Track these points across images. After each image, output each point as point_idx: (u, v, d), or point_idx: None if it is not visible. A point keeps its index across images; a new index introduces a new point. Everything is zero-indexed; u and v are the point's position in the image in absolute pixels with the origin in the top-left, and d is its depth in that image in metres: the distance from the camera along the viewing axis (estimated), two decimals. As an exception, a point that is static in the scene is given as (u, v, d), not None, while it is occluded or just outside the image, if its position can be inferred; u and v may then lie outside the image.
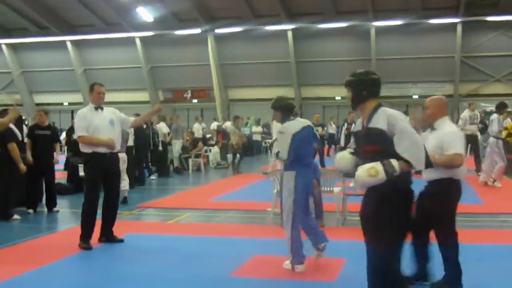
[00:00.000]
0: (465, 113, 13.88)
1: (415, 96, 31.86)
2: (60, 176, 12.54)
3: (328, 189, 8.68)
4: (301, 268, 5.84)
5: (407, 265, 5.00)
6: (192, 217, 9.58)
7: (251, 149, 24.20)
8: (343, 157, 4.24)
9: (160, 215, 10.02)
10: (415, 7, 29.67)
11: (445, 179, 4.95)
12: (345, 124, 14.92)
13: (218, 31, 33.18)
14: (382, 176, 3.65)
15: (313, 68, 33.18)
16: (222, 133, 22.80)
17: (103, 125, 7.12)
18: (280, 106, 6.16)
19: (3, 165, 9.02)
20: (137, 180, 13.56)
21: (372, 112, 3.92)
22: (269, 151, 17.75)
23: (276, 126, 12.35)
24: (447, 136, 4.98)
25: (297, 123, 6.05)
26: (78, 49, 36.76)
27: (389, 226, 3.76)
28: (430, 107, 5.23)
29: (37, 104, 37.31)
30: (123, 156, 10.33)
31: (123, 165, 10.29)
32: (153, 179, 15.37)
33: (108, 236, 7.30)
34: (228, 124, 24.34)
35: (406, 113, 24.59)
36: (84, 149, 7.16)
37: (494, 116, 12.51)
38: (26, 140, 10.00)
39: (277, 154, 6.05)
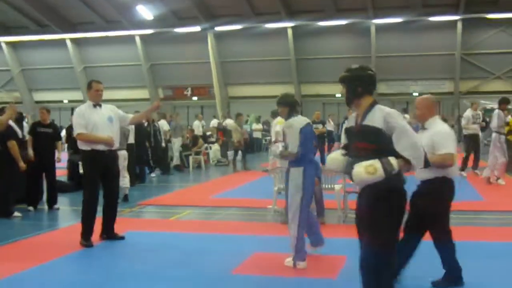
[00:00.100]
0: (468, 112, 13.88)
1: (415, 94, 31.75)
2: (61, 173, 12.54)
3: (329, 186, 8.69)
4: (303, 265, 5.85)
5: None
6: (192, 215, 9.58)
7: (251, 147, 24.18)
8: (335, 159, 4.16)
9: (160, 212, 10.01)
10: (415, 4, 29.66)
11: (438, 178, 4.94)
12: (345, 122, 14.89)
13: (218, 28, 33.14)
14: (380, 173, 3.61)
15: (313, 65, 33.15)
16: (222, 131, 22.78)
17: (102, 122, 7.10)
18: (287, 102, 6.19)
19: (3, 163, 9.01)
20: (137, 178, 13.56)
21: (367, 109, 3.86)
22: (269, 149, 17.73)
23: (278, 124, 12.37)
24: (438, 135, 4.97)
25: (301, 119, 6.11)
26: (78, 47, 36.75)
27: (385, 225, 3.74)
28: (419, 107, 5.20)
29: (37, 102, 37.34)
30: (123, 153, 10.34)
31: (124, 163, 10.30)
32: (153, 177, 15.38)
33: (109, 233, 7.30)
34: (228, 122, 24.34)
35: (406, 110, 24.63)
36: (82, 146, 7.14)
37: (496, 111, 12.54)
38: (27, 137, 10.00)
39: (281, 152, 6.03)
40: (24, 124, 12.29)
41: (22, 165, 9.09)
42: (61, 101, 37.34)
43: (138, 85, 36.05)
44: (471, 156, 13.87)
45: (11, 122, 9.28)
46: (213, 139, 21.51)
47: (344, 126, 15.28)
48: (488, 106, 27.66)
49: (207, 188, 13.11)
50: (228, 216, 9.48)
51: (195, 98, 36.46)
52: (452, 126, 31.13)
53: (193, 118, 26.53)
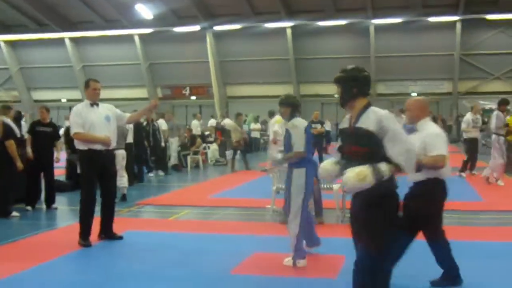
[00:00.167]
0: (468, 116, 13.86)
1: (414, 94, 31.81)
2: (59, 173, 12.51)
3: (328, 186, 8.68)
4: (303, 263, 5.86)
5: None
6: (191, 214, 9.57)
7: (250, 146, 24.15)
8: (326, 169, 4.10)
9: (159, 212, 9.99)
10: (414, 4, 29.68)
11: (431, 180, 4.95)
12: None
13: (217, 28, 33.14)
14: (370, 180, 3.58)
15: (312, 65, 33.16)
16: (220, 130, 22.77)
17: (99, 121, 7.07)
18: (289, 103, 6.22)
19: (2, 162, 8.98)
20: (136, 177, 13.54)
21: (361, 111, 3.82)
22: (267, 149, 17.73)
23: (276, 123, 12.34)
24: (430, 137, 4.97)
25: (302, 121, 6.20)
26: (76, 46, 36.73)
27: (378, 230, 3.72)
28: (411, 108, 5.19)
29: (35, 101, 37.33)
30: (122, 152, 10.32)
31: (122, 162, 10.28)
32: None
33: (107, 233, 7.28)
34: (227, 121, 24.30)
35: (403, 111, 24.61)
36: (79, 146, 7.11)
37: (495, 112, 12.55)
38: (26, 136, 9.97)
39: (285, 157, 6.04)
40: (22, 123, 12.27)
41: (19, 164, 9.06)
42: (60, 100, 37.32)
43: (137, 84, 36.05)
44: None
45: (9, 122, 9.27)
46: (211, 139, 21.49)
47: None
48: (487, 107, 27.67)
49: (205, 188, 13.09)
50: (227, 216, 9.46)
51: (193, 97, 36.46)
52: (451, 127, 31.31)
53: (191, 117, 26.53)
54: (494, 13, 29.26)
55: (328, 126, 20.58)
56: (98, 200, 7.28)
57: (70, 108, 7.87)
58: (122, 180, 10.31)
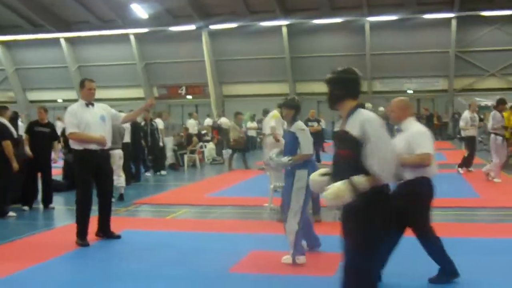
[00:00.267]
0: (466, 114, 13.85)
1: (410, 91, 31.93)
2: (56, 172, 12.50)
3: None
4: (303, 259, 5.89)
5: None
6: (188, 213, 9.57)
7: (247, 145, 24.13)
8: (315, 181, 4.00)
9: (156, 211, 10.00)
10: (409, 2, 29.67)
11: (418, 178, 4.98)
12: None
13: (212, 27, 33.10)
14: (348, 197, 3.51)
15: (308, 63, 33.13)
16: (217, 129, 22.77)
17: (94, 121, 7.07)
18: (293, 105, 6.36)
19: (-1, 162, 8.98)
20: (133, 177, 13.54)
21: (349, 113, 3.74)
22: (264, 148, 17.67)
23: (274, 118, 12.31)
24: (414, 136, 5.00)
25: (302, 123, 6.36)
26: (72, 46, 36.63)
27: (367, 233, 3.65)
28: (394, 109, 5.21)
29: (31, 102, 37.23)
30: (119, 152, 10.32)
31: (119, 161, 10.27)
32: (148, 175, 15.38)
33: (105, 232, 7.28)
34: (223, 120, 24.31)
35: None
36: (74, 146, 7.10)
37: (493, 112, 12.59)
38: (23, 136, 9.96)
39: (292, 160, 6.07)
40: (19, 123, 12.25)
41: (15, 165, 9.04)
42: (55, 101, 37.19)
43: (132, 84, 35.96)
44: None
45: (6, 122, 9.26)
46: (208, 138, 21.48)
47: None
48: (483, 104, 27.73)
49: (202, 187, 13.08)
50: (224, 214, 9.46)
51: (189, 96, 36.40)
52: (446, 124, 31.37)
53: (187, 116, 26.49)
54: (490, 10, 29.25)
55: (324, 124, 20.58)
56: (95, 199, 7.27)
57: (66, 108, 7.85)
58: (120, 179, 10.32)
